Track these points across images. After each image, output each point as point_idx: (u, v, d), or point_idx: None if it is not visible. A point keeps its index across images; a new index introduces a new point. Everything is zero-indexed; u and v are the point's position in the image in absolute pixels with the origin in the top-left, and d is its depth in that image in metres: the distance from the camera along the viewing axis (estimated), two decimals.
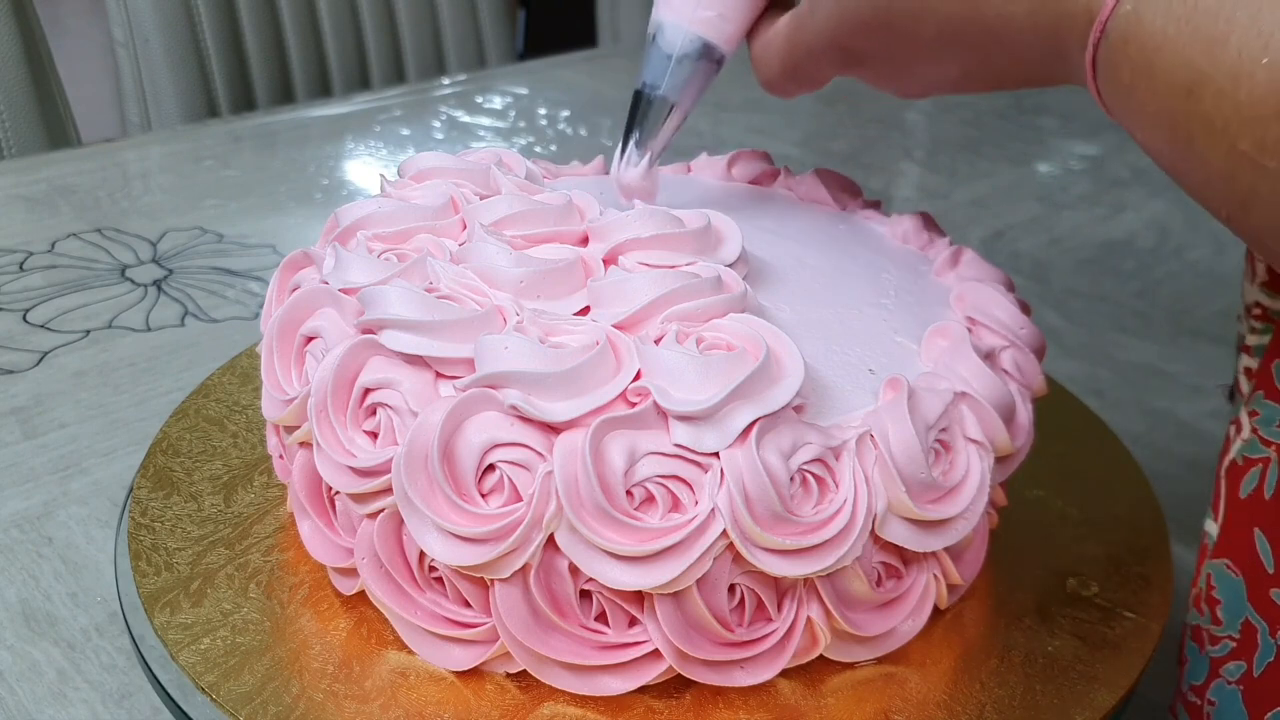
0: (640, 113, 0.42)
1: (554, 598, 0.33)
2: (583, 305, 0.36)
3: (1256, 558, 0.35)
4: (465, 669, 0.34)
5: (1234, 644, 0.36)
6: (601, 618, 0.33)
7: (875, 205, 0.49)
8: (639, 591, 0.32)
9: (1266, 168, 0.25)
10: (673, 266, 0.37)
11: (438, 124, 0.96)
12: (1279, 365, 0.34)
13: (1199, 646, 0.37)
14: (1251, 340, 0.37)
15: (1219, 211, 0.28)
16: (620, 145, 0.42)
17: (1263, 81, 0.25)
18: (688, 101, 0.41)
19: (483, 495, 0.32)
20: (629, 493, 0.31)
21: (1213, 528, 0.38)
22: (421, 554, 0.33)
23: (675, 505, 0.32)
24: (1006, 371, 0.39)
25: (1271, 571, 0.34)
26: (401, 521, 0.33)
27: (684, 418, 0.31)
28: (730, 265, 0.37)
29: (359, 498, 0.34)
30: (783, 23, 0.39)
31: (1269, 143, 0.25)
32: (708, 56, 0.41)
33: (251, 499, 0.41)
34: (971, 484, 0.35)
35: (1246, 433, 0.36)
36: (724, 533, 0.31)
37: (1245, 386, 0.37)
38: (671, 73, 0.41)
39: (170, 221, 0.75)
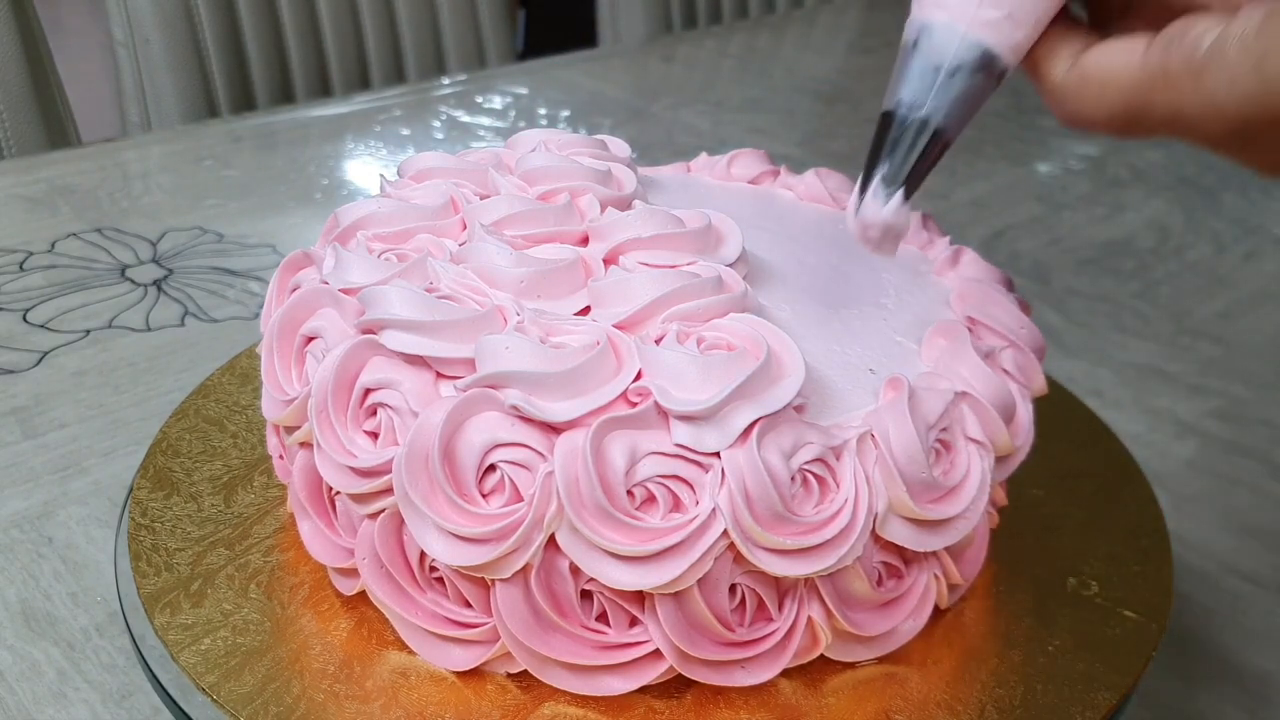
0: (893, 139, 0.34)
1: (555, 598, 0.33)
2: (583, 305, 0.36)
3: None
4: (466, 669, 0.34)
5: None
6: (602, 618, 0.33)
7: None
8: (640, 591, 0.32)
9: None
10: (673, 266, 0.37)
11: (438, 124, 0.96)
12: None
13: None
14: None
15: None
16: (862, 177, 0.35)
17: None
18: (956, 127, 0.33)
19: (484, 495, 0.32)
20: (630, 493, 0.31)
21: None
22: (422, 554, 0.33)
23: (676, 505, 0.32)
24: (1006, 371, 0.39)
25: None
26: (402, 522, 0.33)
27: (685, 417, 0.31)
28: (730, 265, 0.37)
29: (359, 498, 0.34)
30: (1134, 65, 0.31)
31: None
32: (988, 69, 0.32)
33: (251, 499, 0.41)
34: (972, 483, 0.35)
35: None
36: (725, 532, 0.31)
37: None
38: (940, 89, 0.33)
39: (170, 221, 0.75)
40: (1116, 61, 0.31)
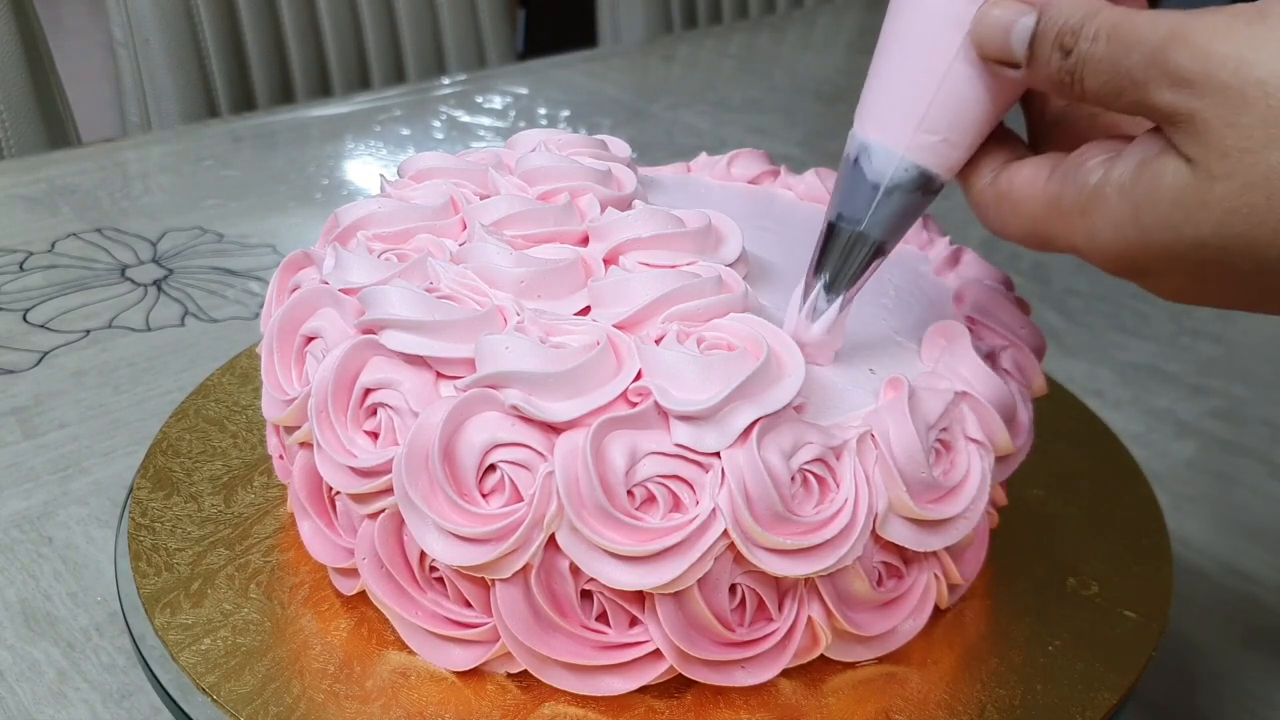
0: (833, 251, 0.35)
1: (555, 598, 0.33)
2: (583, 305, 0.36)
3: None
4: (466, 669, 0.34)
5: None
6: (602, 618, 0.33)
7: None
8: (640, 591, 0.32)
9: None
10: (673, 266, 0.37)
11: (438, 124, 0.96)
12: None
13: None
14: None
15: None
16: (803, 287, 0.37)
17: None
18: (895, 238, 0.35)
19: (484, 495, 0.32)
20: (630, 493, 0.31)
21: None
22: (422, 554, 0.33)
23: (676, 505, 0.32)
24: (1006, 371, 0.39)
25: None
26: (402, 522, 0.33)
27: (685, 417, 0.31)
28: (730, 265, 0.37)
29: (359, 498, 0.34)
30: (1039, 192, 0.31)
31: None
32: (924, 188, 0.34)
33: (251, 499, 0.41)
34: (972, 483, 0.35)
35: None
36: (725, 532, 0.31)
37: None
38: (878, 206, 0.34)
39: (170, 221, 0.75)
40: (1026, 186, 0.32)
